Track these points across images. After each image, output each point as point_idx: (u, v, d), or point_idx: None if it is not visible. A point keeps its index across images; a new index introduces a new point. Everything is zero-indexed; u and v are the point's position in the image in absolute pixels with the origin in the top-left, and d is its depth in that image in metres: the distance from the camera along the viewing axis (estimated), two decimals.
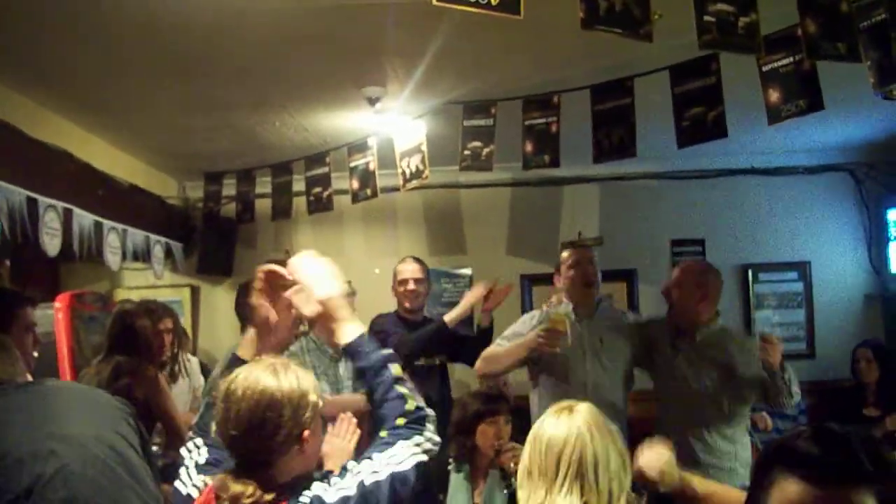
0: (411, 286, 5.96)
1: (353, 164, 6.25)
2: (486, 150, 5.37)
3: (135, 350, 4.86)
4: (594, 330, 5.11)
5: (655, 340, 5.19)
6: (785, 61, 4.15)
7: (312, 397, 2.45)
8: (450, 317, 5.84)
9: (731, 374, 4.87)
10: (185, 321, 7.22)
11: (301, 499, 2.34)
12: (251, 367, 2.47)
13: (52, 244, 5.07)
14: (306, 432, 2.42)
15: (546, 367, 5.12)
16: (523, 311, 5.78)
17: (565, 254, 5.29)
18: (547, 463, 2.55)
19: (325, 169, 6.51)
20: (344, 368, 5.26)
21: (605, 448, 2.55)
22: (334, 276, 2.82)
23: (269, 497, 2.33)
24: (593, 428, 2.57)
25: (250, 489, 2.31)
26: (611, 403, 4.57)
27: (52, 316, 5.99)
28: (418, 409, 2.55)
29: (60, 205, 5.16)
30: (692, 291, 5.03)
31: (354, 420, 3.84)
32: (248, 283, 4.83)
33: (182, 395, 5.84)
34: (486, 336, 5.70)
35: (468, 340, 5.89)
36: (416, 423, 2.52)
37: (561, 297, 5.40)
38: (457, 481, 4.48)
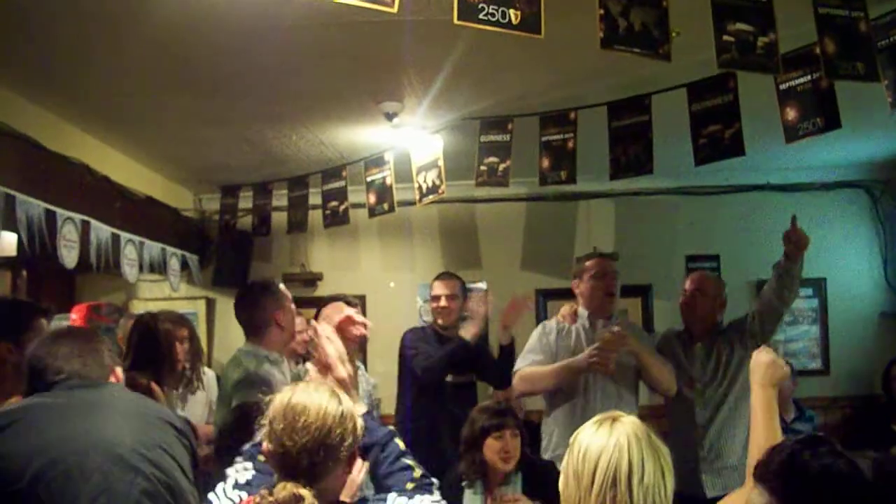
0: (443, 303, 5.96)
1: (370, 179, 6.27)
2: (502, 166, 5.37)
3: (156, 356, 4.80)
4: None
5: (673, 353, 5.38)
6: (802, 80, 4.15)
7: (360, 423, 2.54)
8: (469, 333, 5.77)
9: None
10: (201, 333, 7.22)
11: None
12: (310, 386, 2.57)
13: (69, 256, 5.10)
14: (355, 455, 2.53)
15: None
16: (537, 323, 5.76)
17: (590, 262, 5.32)
18: (583, 472, 2.54)
19: (342, 183, 6.52)
20: None
21: (641, 459, 2.53)
22: (346, 357, 3.00)
23: None
24: (632, 439, 2.55)
25: (309, 497, 2.35)
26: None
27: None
28: (424, 476, 2.71)
29: (78, 217, 5.19)
30: (714, 299, 5.37)
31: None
32: (254, 288, 4.86)
33: (199, 406, 5.84)
34: (509, 355, 5.71)
35: (491, 361, 5.95)
36: (424, 487, 2.68)
37: (573, 305, 5.43)
38: (470, 497, 4.50)
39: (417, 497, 2.62)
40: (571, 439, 2.62)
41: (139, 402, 2.72)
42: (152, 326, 4.97)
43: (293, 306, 4.68)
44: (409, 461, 2.72)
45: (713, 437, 5.19)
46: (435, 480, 2.70)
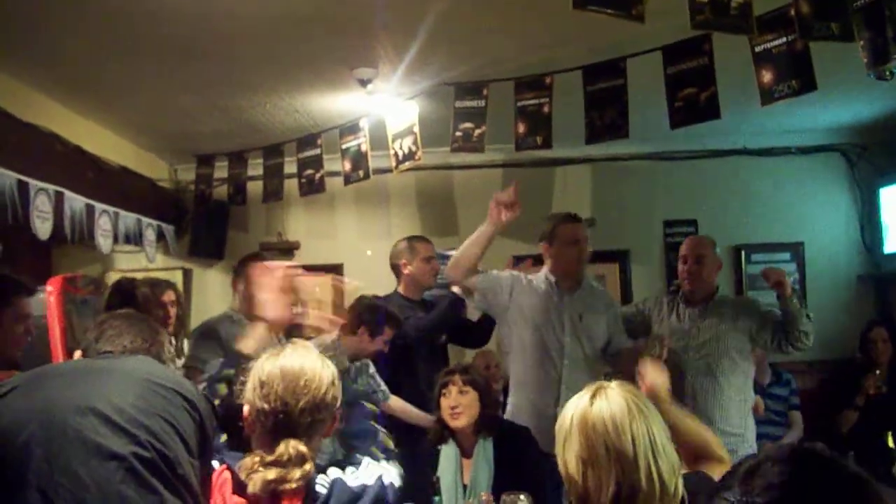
0: (436, 263, 5.97)
1: (345, 146, 6.22)
2: (477, 132, 5.35)
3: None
4: (575, 306, 5.15)
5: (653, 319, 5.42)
6: (778, 42, 4.15)
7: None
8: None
9: (745, 327, 5.18)
10: None
11: (324, 475, 2.51)
12: (298, 350, 2.70)
13: (43, 228, 5.05)
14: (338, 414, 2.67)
15: (522, 338, 5.17)
16: None
17: (563, 227, 5.23)
18: (594, 443, 2.49)
19: (317, 151, 6.47)
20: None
21: (648, 427, 2.49)
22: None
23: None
24: (633, 406, 2.52)
25: (309, 454, 2.50)
26: (587, 381, 4.61)
27: (44, 300, 5.98)
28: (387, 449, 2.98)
29: (51, 188, 5.14)
30: (713, 262, 5.38)
31: None
32: (246, 261, 4.94)
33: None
34: (489, 320, 5.73)
35: (472, 326, 5.96)
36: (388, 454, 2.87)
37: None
38: (445, 452, 4.50)
39: (389, 463, 2.67)
40: (577, 418, 2.55)
41: (149, 368, 2.68)
42: (128, 288, 4.96)
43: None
44: (374, 424, 2.78)
45: (701, 403, 5.12)
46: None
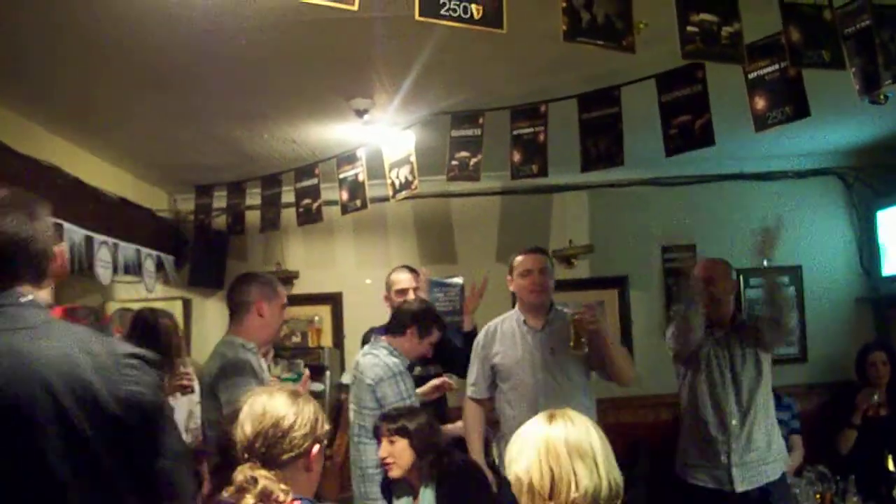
0: (411, 297, 5.97)
1: (342, 176, 6.24)
2: (473, 160, 5.36)
3: (157, 349, 4.74)
4: (545, 341, 5.14)
5: None
6: (770, 69, 4.17)
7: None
8: (468, 326, 6.02)
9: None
10: None
11: None
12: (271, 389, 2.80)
13: None
14: (315, 448, 2.67)
15: (503, 381, 5.21)
16: None
17: (518, 259, 5.28)
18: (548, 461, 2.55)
19: (315, 180, 6.49)
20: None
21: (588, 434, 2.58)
22: None
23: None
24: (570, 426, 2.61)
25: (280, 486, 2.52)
26: None
27: None
28: None
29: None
30: (727, 284, 5.43)
31: None
32: (248, 275, 4.96)
33: (181, 411, 5.74)
34: (470, 341, 5.71)
35: (458, 351, 5.89)
36: None
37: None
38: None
39: None
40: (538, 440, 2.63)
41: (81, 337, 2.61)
42: (151, 319, 4.95)
43: (282, 303, 4.70)
44: None
45: (748, 427, 5.23)
46: None
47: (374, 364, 5.11)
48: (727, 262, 5.56)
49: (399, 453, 4.38)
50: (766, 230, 5.23)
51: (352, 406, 5.24)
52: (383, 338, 5.29)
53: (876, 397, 6.43)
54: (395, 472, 4.40)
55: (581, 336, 4.86)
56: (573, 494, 2.47)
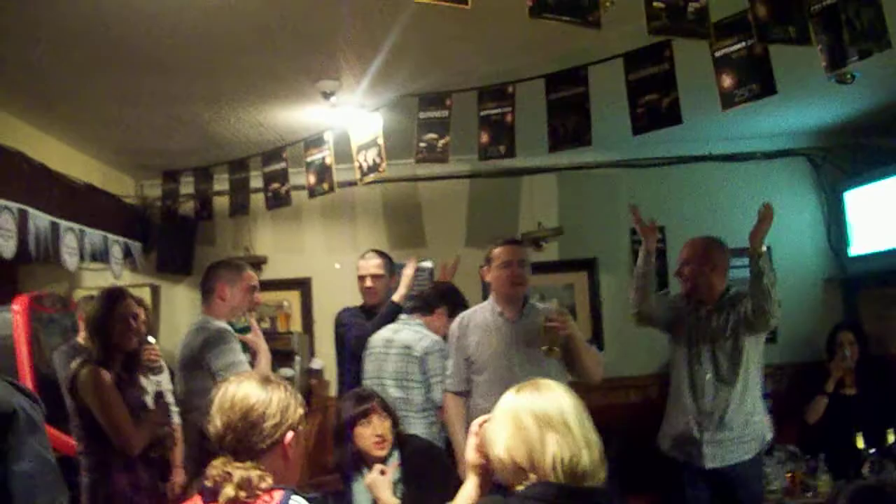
0: (368, 283, 6.02)
1: (309, 160, 6.20)
2: (441, 142, 5.33)
3: (115, 327, 4.69)
4: (520, 333, 5.14)
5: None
6: (737, 46, 4.17)
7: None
8: (398, 296, 5.97)
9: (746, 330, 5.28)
10: None
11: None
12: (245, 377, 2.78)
13: (7, 246, 5.00)
14: (289, 435, 2.67)
15: (477, 374, 5.20)
16: (484, 300, 5.73)
17: (498, 250, 5.27)
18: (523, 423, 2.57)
19: (283, 164, 6.45)
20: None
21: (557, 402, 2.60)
22: None
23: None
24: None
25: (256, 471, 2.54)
26: None
27: (11, 318, 5.94)
28: None
29: (15, 206, 5.09)
30: (703, 264, 5.45)
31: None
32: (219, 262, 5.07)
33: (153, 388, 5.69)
34: None
35: None
36: None
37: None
38: (358, 488, 4.41)
39: None
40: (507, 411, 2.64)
41: None
42: (117, 294, 4.93)
43: (248, 285, 5.13)
44: None
45: (722, 404, 5.26)
46: None
47: (420, 337, 5.39)
48: (714, 241, 5.61)
49: (388, 428, 4.40)
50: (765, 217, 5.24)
51: (387, 381, 5.42)
52: (415, 315, 5.48)
53: (847, 353, 6.45)
54: (385, 451, 4.37)
55: (555, 343, 4.86)
56: (550, 462, 2.46)
